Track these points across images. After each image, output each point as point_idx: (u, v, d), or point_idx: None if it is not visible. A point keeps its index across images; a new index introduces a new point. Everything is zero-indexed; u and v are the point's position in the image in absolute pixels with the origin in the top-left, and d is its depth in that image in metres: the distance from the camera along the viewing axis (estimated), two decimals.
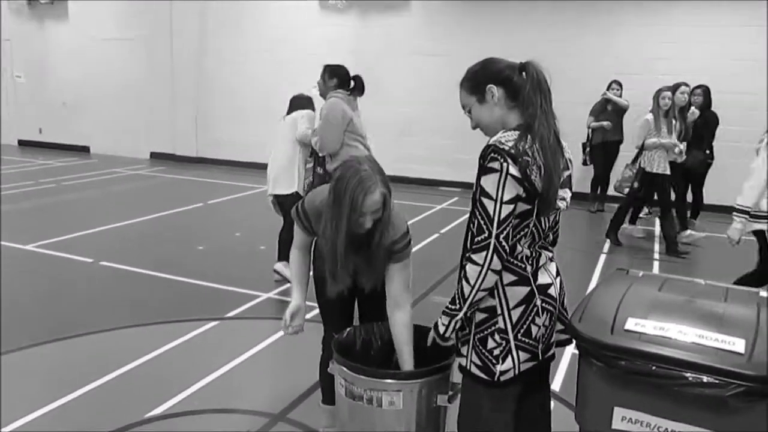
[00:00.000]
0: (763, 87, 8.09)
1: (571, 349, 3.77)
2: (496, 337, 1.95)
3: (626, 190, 6.66)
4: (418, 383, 2.21)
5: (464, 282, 1.91)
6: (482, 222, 1.85)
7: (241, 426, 3.10)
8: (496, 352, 1.95)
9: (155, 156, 12.48)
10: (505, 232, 1.84)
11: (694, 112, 6.89)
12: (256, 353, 3.93)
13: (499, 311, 1.94)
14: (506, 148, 1.83)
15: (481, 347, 1.97)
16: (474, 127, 2.09)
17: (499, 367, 1.95)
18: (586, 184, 8.73)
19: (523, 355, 1.97)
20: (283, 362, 3.84)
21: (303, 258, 2.66)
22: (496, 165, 1.82)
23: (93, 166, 11.36)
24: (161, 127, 12.29)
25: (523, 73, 1.95)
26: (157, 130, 12.35)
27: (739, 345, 1.79)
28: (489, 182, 1.83)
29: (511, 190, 1.83)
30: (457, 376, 2.44)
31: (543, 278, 2.00)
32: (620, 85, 8.40)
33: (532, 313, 1.95)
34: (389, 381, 2.21)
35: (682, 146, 6.47)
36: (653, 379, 1.76)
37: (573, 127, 7.59)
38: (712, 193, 7.63)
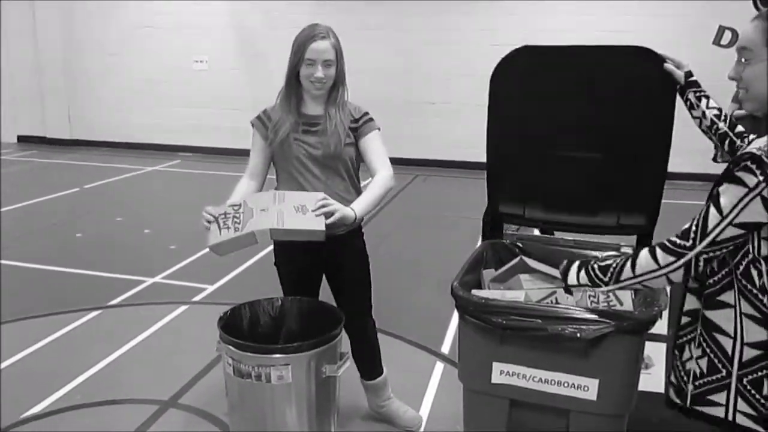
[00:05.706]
0: None
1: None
2: None
3: None
4: (306, 355, 2.20)
5: (629, 265, 1.63)
6: (694, 227, 1.51)
7: (128, 417, 2.97)
8: None
9: (23, 140, 11.54)
10: (711, 255, 1.50)
11: None
12: (142, 340, 3.78)
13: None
14: None
15: (755, 392, 1.52)
16: (736, 81, 1.56)
17: None
18: None
19: None
20: (171, 348, 3.71)
21: (248, 187, 2.48)
22: (747, 178, 1.41)
23: None
24: (28, 108, 11.37)
25: None
26: (24, 111, 11.41)
27: None
28: (728, 193, 1.46)
29: (753, 215, 1.44)
30: (345, 345, 2.46)
31: None
32: None
33: None
34: (277, 356, 2.19)
35: None
36: (527, 332, 1.85)
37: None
38: None
